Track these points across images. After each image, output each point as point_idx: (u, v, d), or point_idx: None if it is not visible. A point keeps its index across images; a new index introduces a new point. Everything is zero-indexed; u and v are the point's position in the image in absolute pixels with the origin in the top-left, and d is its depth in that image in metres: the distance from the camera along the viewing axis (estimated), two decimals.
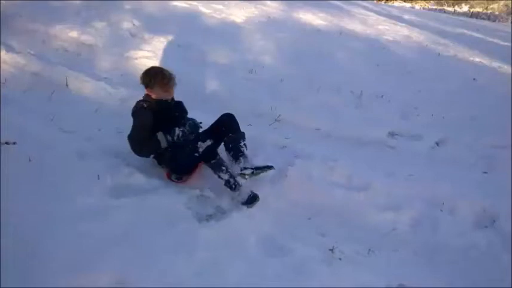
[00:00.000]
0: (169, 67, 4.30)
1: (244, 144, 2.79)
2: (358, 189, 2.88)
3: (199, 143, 2.57)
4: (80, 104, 3.51)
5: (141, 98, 2.74)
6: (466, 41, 6.69)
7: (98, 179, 2.51)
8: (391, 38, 6.21)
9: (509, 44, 6.94)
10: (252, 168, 2.66)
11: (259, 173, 2.67)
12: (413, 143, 3.81)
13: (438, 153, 3.68)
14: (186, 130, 2.69)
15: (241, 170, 2.65)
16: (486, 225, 2.71)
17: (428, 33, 6.75)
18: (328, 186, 2.88)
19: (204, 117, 3.55)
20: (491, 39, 7.04)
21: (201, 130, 2.80)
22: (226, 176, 2.60)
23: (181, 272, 2.00)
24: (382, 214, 2.69)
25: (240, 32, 5.42)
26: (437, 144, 3.82)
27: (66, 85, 3.68)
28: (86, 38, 4.53)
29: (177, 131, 2.66)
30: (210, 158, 2.60)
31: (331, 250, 2.33)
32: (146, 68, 2.79)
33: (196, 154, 2.58)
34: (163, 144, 2.64)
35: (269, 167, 2.69)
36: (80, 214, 2.27)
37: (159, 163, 2.78)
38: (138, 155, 2.70)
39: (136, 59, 4.34)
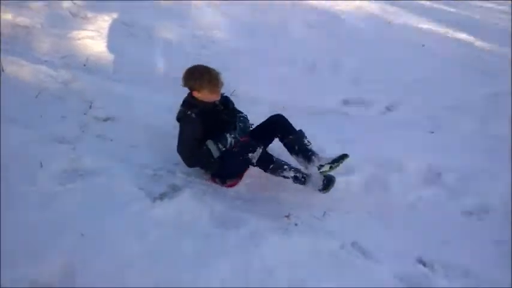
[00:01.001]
0: (115, 46, 4.20)
1: (308, 141, 2.64)
2: None
3: (249, 154, 2.42)
4: (19, 90, 3.29)
5: (186, 100, 2.53)
6: (415, 9, 6.83)
7: (41, 166, 2.38)
8: (343, 9, 6.23)
9: (456, 10, 7.18)
10: (329, 163, 2.51)
11: (338, 165, 2.52)
12: (365, 109, 3.90)
13: (388, 117, 3.79)
14: (237, 135, 2.53)
15: (319, 169, 2.51)
16: (433, 180, 2.84)
17: (379, 3, 6.83)
18: None
19: (157, 98, 3.48)
20: (437, 6, 7.23)
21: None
22: (291, 173, 2.48)
23: (133, 252, 1.95)
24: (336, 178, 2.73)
25: (189, 7, 5.24)
26: (387, 108, 3.93)
27: (2, 70, 3.44)
28: (22, 20, 4.22)
29: (229, 138, 2.49)
30: (266, 165, 2.48)
31: (287, 217, 2.36)
32: (188, 68, 2.50)
33: (252, 165, 2.50)
34: (216, 154, 2.46)
35: (345, 155, 2.53)
36: (24, 204, 2.16)
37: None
38: (191, 167, 2.56)
39: (79, 39, 4.11)
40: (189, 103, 2.49)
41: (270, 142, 2.72)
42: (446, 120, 3.76)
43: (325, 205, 2.54)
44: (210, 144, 2.45)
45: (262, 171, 2.55)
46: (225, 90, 3.84)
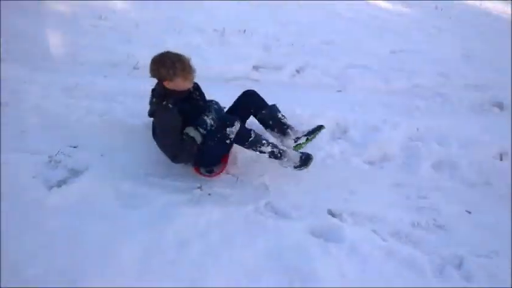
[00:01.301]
0: None
1: (283, 115, 2.58)
2: None
3: (227, 129, 2.27)
4: None
5: (155, 91, 2.29)
6: None
7: None
8: None
9: None
10: (305, 135, 2.51)
11: (314, 137, 2.53)
12: (276, 74, 3.92)
13: (298, 79, 3.86)
14: (213, 116, 2.38)
15: (295, 142, 2.49)
16: (339, 136, 2.97)
17: None
18: None
19: (56, 78, 3.15)
20: None
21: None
22: (268, 148, 2.38)
23: (32, 244, 1.79)
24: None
25: None
26: (297, 71, 4.00)
27: None
28: None
29: (207, 120, 2.35)
30: (244, 139, 2.34)
31: (199, 188, 2.32)
32: (155, 56, 2.22)
33: (228, 141, 2.30)
34: (199, 139, 2.29)
35: (321, 126, 2.54)
36: None
37: None
38: (179, 162, 2.34)
39: None
40: (161, 94, 2.27)
41: (246, 119, 2.62)
42: (352, 79, 3.93)
43: (237, 172, 2.54)
44: (190, 130, 2.29)
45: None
46: (127, 65, 3.64)
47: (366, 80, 3.97)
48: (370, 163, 2.80)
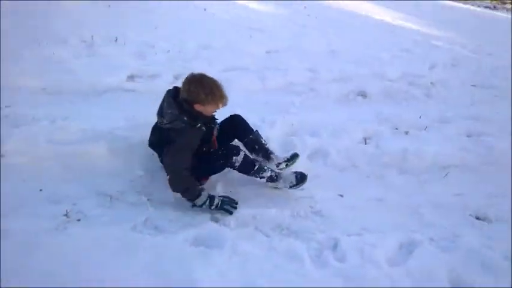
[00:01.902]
0: None
1: (264, 140, 2.79)
2: (93, 140, 2.66)
3: (234, 158, 2.38)
4: None
5: (186, 109, 2.25)
6: None
7: None
8: None
9: None
10: (285, 162, 2.75)
11: (292, 163, 2.76)
12: (153, 82, 3.79)
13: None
14: (224, 206, 2.35)
15: (277, 167, 2.71)
16: None
17: None
18: (56, 146, 2.56)
19: None
20: None
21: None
22: (268, 173, 2.52)
23: None
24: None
25: None
26: (175, 78, 3.91)
27: None
28: None
29: (216, 200, 2.33)
30: (250, 168, 2.47)
31: (66, 215, 2.10)
32: (193, 76, 2.27)
33: (231, 168, 2.45)
34: (198, 202, 2.29)
35: (296, 155, 2.80)
36: None
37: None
38: (175, 187, 2.26)
39: None
40: (191, 114, 2.26)
41: (231, 141, 2.72)
42: (231, 82, 3.98)
43: (110, 190, 2.37)
44: (204, 194, 2.28)
45: None
46: None
47: (244, 81, 4.07)
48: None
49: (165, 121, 2.27)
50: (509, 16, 18.73)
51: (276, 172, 2.58)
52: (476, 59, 6.32)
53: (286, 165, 2.77)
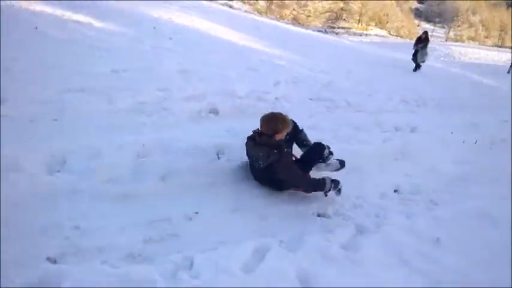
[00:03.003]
0: None
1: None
2: None
3: (324, 151, 3.21)
4: None
5: (271, 143, 2.82)
6: None
7: None
8: None
9: None
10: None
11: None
12: None
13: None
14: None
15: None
16: (58, 169, 2.67)
17: None
18: None
19: None
20: None
21: None
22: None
23: None
24: None
25: None
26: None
27: None
28: None
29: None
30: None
31: None
32: (275, 116, 2.91)
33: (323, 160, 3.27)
34: (328, 187, 2.99)
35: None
36: None
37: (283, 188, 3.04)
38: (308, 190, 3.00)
39: None
40: (276, 144, 2.83)
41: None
42: (71, 104, 3.64)
43: None
44: (327, 181, 2.94)
45: None
46: None
47: (87, 103, 3.76)
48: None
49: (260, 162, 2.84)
50: (337, 38, 22.06)
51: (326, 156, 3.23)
52: (312, 76, 7.19)
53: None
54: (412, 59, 11.81)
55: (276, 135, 2.83)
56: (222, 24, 11.10)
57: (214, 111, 4.40)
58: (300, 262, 2.18)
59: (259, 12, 27.45)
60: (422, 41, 11.70)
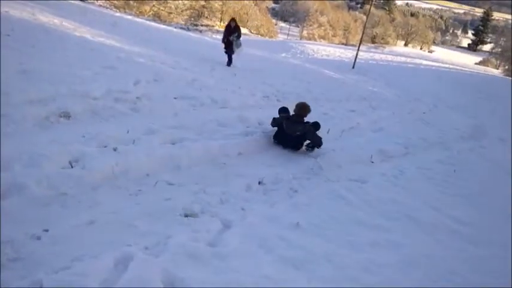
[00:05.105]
0: None
1: None
2: None
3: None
4: None
5: (304, 121, 4.78)
6: None
7: None
8: None
9: None
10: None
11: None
12: None
13: None
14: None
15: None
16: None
17: None
18: None
19: None
20: None
21: None
22: None
23: None
24: None
25: None
26: None
27: None
28: None
29: None
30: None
31: None
32: (305, 104, 4.88)
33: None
34: None
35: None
36: None
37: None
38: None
39: None
40: (305, 121, 4.79)
41: None
42: None
43: None
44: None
45: None
46: None
47: None
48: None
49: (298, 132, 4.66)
50: (200, 36, 22.19)
51: None
52: (175, 73, 7.09)
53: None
54: (226, 52, 10.00)
55: (305, 117, 4.78)
56: (72, 20, 10.09)
57: (66, 115, 3.97)
58: (166, 266, 2.13)
59: (117, 7, 25.77)
60: (234, 30, 9.81)
